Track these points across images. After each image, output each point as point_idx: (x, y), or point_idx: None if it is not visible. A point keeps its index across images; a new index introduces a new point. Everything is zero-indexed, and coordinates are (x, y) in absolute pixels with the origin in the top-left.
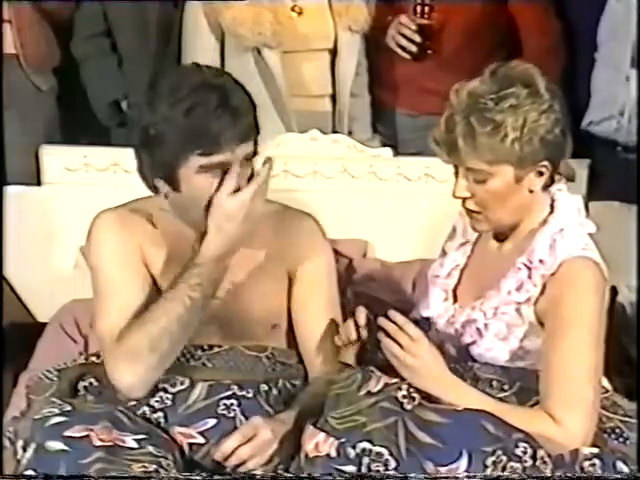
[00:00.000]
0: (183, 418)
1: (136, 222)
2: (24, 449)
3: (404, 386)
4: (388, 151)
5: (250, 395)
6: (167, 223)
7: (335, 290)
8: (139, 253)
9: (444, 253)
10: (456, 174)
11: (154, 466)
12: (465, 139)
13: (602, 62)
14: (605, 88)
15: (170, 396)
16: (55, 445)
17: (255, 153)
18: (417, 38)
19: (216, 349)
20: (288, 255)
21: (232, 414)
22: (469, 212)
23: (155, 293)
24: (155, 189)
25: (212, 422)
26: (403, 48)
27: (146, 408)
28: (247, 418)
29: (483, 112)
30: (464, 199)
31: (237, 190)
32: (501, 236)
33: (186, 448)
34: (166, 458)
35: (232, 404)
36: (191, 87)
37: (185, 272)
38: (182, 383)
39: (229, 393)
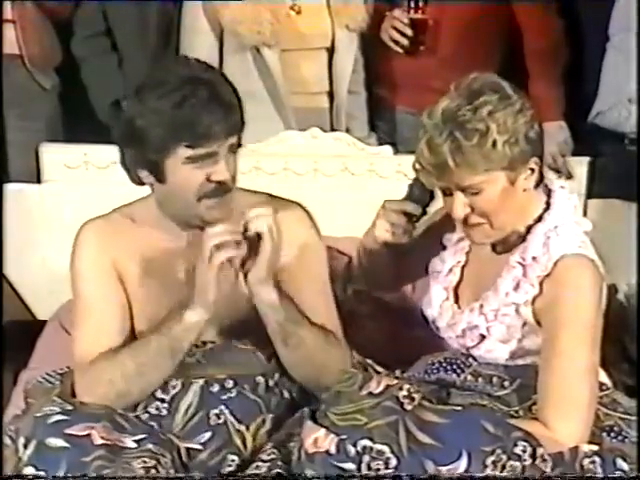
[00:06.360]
0: (178, 433)
1: (118, 232)
2: (25, 446)
3: (405, 386)
4: (388, 149)
5: (242, 391)
6: (153, 228)
7: (327, 276)
8: (114, 271)
9: (443, 247)
10: (445, 194)
11: (153, 462)
12: (454, 157)
13: (613, 51)
14: (615, 76)
15: (166, 405)
16: (56, 442)
17: (239, 145)
18: (409, 32)
19: (210, 345)
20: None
21: (222, 419)
22: (471, 226)
23: (129, 312)
24: (139, 180)
25: (207, 435)
26: (396, 42)
27: (145, 415)
28: (237, 418)
29: (464, 125)
30: (465, 217)
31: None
32: None
33: (184, 452)
34: (164, 456)
35: (221, 411)
36: (180, 80)
37: (173, 324)
38: (174, 387)
39: (216, 401)
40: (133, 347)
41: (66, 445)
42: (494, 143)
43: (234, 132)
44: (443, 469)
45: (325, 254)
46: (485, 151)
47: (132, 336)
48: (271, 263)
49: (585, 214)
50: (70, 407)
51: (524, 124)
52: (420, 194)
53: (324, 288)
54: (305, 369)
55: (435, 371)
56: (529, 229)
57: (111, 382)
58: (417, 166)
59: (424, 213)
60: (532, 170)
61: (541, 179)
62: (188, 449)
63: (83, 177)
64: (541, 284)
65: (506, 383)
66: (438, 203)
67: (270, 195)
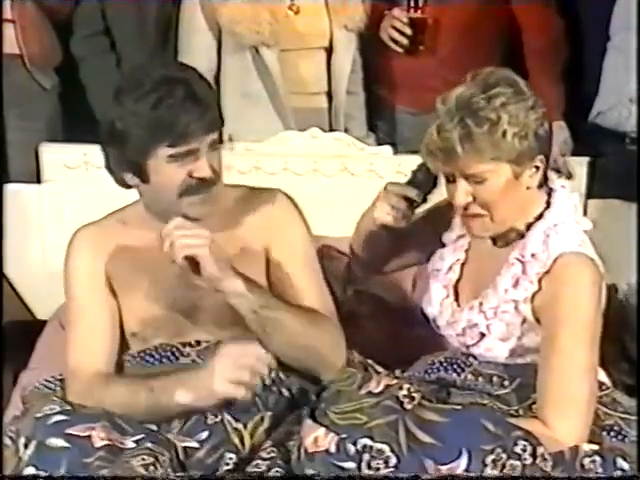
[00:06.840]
0: (176, 432)
1: (111, 236)
2: (26, 446)
3: (405, 386)
4: (388, 149)
5: None
6: (143, 229)
7: (316, 261)
8: (105, 278)
9: (443, 245)
10: (448, 181)
11: (152, 459)
12: (463, 143)
13: (614, 51)
14: (615, 76)
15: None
16: (57, 442)
17: (220, 141)
18: (408, 31)
19: (204, 344)
20: (263, 231)
21: (219, 418)
22: (472, 217)
23: (118, 318)
24: (124, 183)
25: (205, 434)
26: (395, 41)
27: None
28: (234, 417)
29: (477, 112)
30: (466, 205)
31: None
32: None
33: (181, 451)
34: (162, 454)
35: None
36: (156, 81)
37: (163, 396)
38: None
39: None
40: (122, 390)
41: (67, 445)
42: (504, 133)
43: (213, 128)
44: (443, 468)
45: (311, 238)
46: (494, 139)
47: (123, 339)
48: (216, 258)
49: (585, 214)
50: (69, 407)
51: (535, 120)
52: (423, 180)
53: (313, 271)
54: (292, 352)
55: (435, 370)
56: (529, 227)
57: (99, 404)
58: (424, 151)
59: (425, 200)
60: (537, 168)
61: (545, 180)
62: (185, 448)
63: (83, 177)
64: (540, 281)
65: (506, 382)
66: (439, 195)
67: (249, 187)
